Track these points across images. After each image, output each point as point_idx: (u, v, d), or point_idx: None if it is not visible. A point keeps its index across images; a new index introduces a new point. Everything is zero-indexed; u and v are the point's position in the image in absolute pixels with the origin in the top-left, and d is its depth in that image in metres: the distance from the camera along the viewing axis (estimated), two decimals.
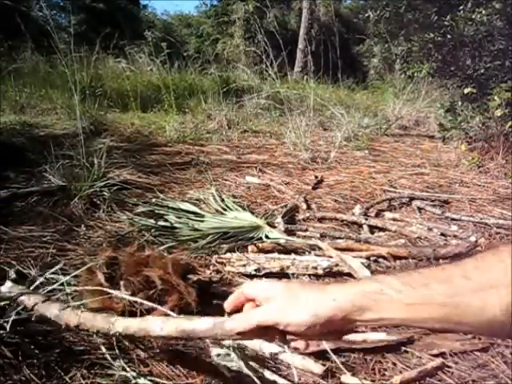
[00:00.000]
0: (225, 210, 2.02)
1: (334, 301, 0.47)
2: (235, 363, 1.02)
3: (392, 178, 2.83)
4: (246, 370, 0.98)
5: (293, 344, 0.53)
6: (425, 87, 5.48)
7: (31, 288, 1.16)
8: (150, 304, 1.04)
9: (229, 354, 1.04)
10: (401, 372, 1.09)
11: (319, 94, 4.85)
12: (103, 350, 1.06)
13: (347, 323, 0.48)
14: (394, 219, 2.13)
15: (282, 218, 1.98)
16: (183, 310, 1.18)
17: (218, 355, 1.05)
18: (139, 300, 1.08)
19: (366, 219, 2.05)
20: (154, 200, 2.13)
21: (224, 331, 0.55)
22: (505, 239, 1.93)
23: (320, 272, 1.53)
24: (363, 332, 1.19)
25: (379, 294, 0.46)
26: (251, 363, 1.03)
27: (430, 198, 2.43)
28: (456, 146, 3.52)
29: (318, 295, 0.49)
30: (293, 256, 1.58)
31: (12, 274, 1.32)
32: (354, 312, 0.47)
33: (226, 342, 1.05)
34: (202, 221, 1.88)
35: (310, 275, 1.53)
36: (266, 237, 1.77)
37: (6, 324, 1.00)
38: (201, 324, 0.60)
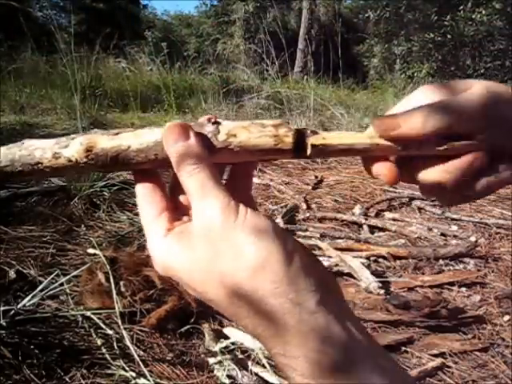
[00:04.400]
0: None
1: None
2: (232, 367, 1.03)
3: None
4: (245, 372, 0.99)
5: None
6: None
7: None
8: None
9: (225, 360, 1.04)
10: None
11: (319, 93, 4.84)
12: (103, 350, 1.06)
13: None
14: (394, 219, 2.13)
15: (282, 218, 1.98)
16: (183, 309, 1.18)
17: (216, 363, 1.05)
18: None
19: (366, 219, 2.05)
20: None
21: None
22: (505, 239, 1.93)
23: None
24: None
25: None
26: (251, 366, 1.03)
27: (430, 198, 2.43)
28: None
29: None
30: None
31: (12, 274, 1.32)
32: None
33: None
34: None
35: None
36: None
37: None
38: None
